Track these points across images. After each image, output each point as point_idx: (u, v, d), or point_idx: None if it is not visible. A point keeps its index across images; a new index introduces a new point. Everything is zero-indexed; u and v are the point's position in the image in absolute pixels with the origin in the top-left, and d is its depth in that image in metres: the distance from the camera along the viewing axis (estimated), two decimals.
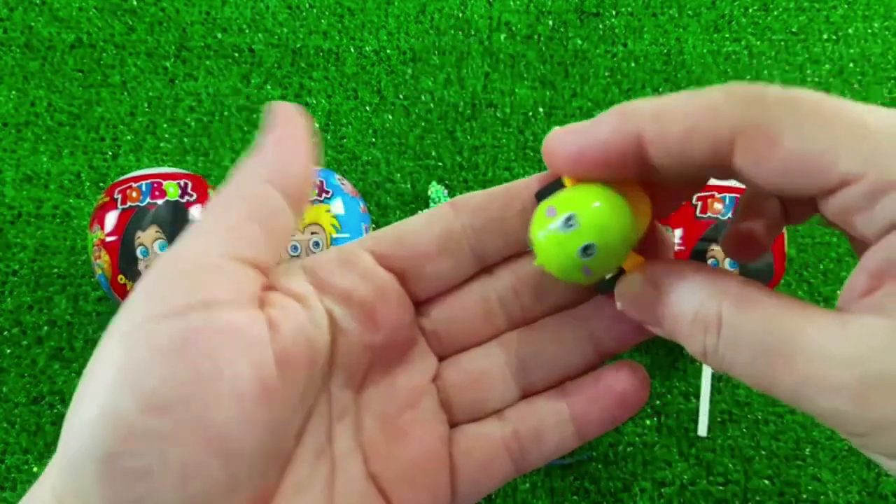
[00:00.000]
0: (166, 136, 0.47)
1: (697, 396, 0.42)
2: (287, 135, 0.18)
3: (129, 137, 0.47)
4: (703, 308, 0.16)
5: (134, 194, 0.38)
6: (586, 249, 0.16)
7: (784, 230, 0.39)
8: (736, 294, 0.15)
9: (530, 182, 0.19)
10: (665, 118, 0.15)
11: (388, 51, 0.48)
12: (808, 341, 0.14)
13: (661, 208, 0.19)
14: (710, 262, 0.37)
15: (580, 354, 0.20)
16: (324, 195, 0.38)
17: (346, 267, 0.18)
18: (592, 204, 0.16)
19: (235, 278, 0.16)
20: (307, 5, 0.49)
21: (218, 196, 0.17)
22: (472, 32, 0.49)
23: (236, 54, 0.48)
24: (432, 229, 0.19)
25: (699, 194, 0.39)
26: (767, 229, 0.20)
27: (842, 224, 0.15)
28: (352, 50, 0.48)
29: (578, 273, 0.17)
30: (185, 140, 0.47)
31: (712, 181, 0.40)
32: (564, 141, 0.17)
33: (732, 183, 0.39)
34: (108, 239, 0.37)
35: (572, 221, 0.16)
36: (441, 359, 0.20)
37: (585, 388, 0.19)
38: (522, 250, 0.20)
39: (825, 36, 0.49)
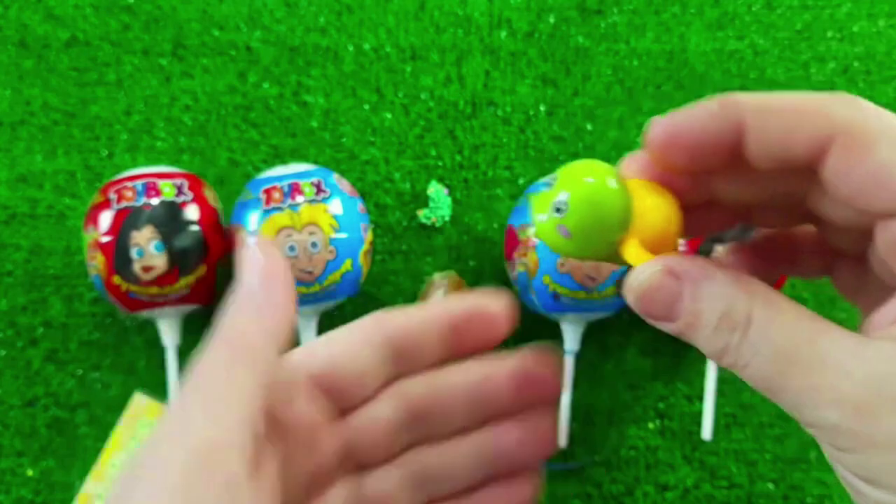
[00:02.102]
0: (162, 134, 0.46)
1: (701, 399, 0.42)
2: (269, 274, 0.19)
3: (124, 136, 0.46)
4: (734, 306, 0.16)
5: (129, 194, 0.37)
6: (558, 207, 0.17)
7: None
8: (765, 298, 0.16)
9: (450, 307, 0.20)
10: (772, 110, 0.16)
11: (387, 48, 0.48)
12: (826, 352, 0.15)
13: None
14: None
15: (482, 472, 0.20)
16: (322, 194, 0.38)
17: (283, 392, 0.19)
18: (596, 179, 0.17)
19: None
20: (305, 2, 0.49)
21: (211, 356, 0.18)
22: (473, 30, 0.48)
23: (233, 52, 0.48)
24: (353, 347, 0.20)
25: None
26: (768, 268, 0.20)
27: (891, 256, 0.15)
28: (350, 47, 0.48)
29: (555, 234, 0.17)
30: (181, 139, 0.46)
31: None
32: (664, 122, 0.17)
33: None
34: (103, 239, 0.37)
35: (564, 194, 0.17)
36: (353, 471, 0.20)
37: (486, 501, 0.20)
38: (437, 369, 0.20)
39: (830, 34, 0.49)
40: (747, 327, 0.16)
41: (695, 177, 0.17)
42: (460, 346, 0.20)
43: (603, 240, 0.17)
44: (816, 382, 0.15)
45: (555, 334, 0.42)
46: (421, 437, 0.20)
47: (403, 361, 0.20)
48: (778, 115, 0.16)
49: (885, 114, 0.16)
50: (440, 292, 0.41)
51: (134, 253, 0.37)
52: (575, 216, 0.17)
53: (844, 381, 0.14)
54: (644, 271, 0.17)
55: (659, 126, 0.17)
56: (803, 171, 0.16)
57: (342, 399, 0.19)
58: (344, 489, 0.20)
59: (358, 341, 0.20)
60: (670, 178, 0.17)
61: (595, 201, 0.17)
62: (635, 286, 0.17)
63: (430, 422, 0.20)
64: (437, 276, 0.42)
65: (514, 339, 0.45)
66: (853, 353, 0.14)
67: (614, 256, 0.18)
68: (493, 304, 0.20)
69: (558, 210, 0.17)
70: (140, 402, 0.40)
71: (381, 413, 0.20)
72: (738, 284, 0.16)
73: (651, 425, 0.42)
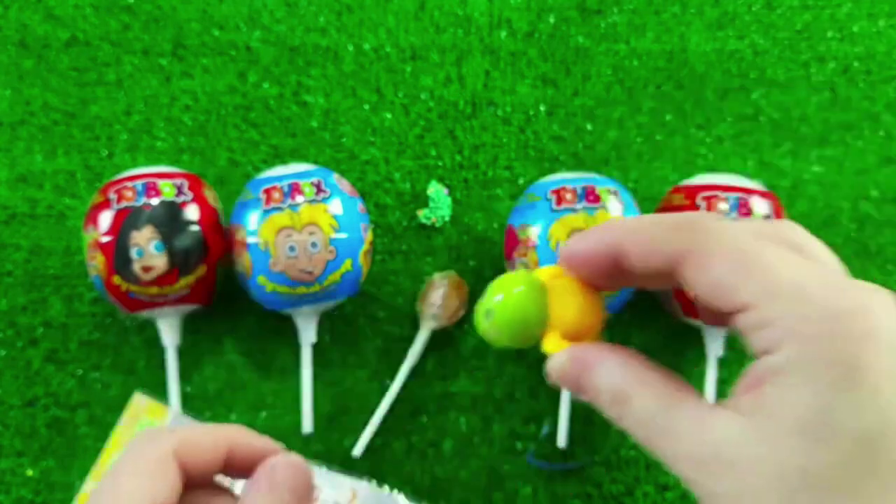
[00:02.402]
0: (162, 134, 0.46)
1: None
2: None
3: (124, 136, 0.46)
4: (618, 387, 0.21)
5: (129, 194, 0.37)
6: (488, 313, 0.22)
7: None
8: (641, 378, 0.21)
9: (240, 432, 0.24)
10: (637, 234, 0.21)
11: (387, 48, 0.48)
12: (679, 422, 0.20)
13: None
14: None
15: None
16: (322, 194, 0.38)
17: None
18: (515, 289, 0.22)
19: None
20: (305, 2, 0.49)
21: None
22: (473, 30, 0.48)
23: (233, 52, 0.48)
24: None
25: (704, 194, 0.38)
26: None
27: (748, 336, 0.20)
28: (350, 47, 0.48)
29: (488, 333, 0.23)
30: (182, 139, 0.46)
31: (715, 181, 0.39)
32: (565, 250, 0.23)
33: (737, 182, 0.38)
34: (103, 239, 0.37)
35: (496, 297, 0.22)
36: None
37: None
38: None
39: (830, 34, 0.49)
40: (628, 403, 0.21)
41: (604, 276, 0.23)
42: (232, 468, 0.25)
43: (526, 337, 0.23)
44: (672, 445, 0.20)
45: None
46: None
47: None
48: (641, 238, 0.21)
49: (723, 233, 0.20)
50: (440, 292, 0.41)
51: (134, 253, 0.37)
52: (499, 322, 0.22)
53: (691, 445, 0.19)
54: (556, 359, 0.22)
55: (563, 251, 0.23)
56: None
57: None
58: None
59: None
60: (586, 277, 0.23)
61: (514, 312, 0.22)
62: (550, 370, 0.23)
63: None
64: (437, 276, 0.42)
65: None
66: (701, 421, 0.19)
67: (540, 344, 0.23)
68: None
69: (488, 315, 0.22)
70: (140, 402, 0.40)
71: None
72: (623, 368, 0.21)
73: None
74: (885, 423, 0.17)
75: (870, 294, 0.18)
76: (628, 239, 0.21)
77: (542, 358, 0.43)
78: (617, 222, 0.22)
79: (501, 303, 0.23)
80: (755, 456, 0.18)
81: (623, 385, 0.21)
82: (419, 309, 0.42)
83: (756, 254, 0.19)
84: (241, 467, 0.24)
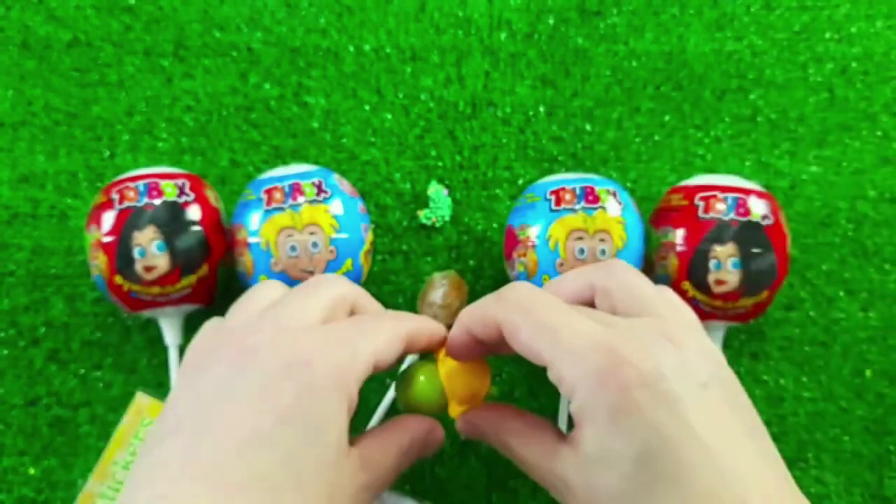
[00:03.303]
0: (164, 135, 0.46)
1: None
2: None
3: (126, 137, 0.46)
4: (497, 438, 0.29)
5: (131, 194, 0.38)
6: (404, 404, 0.32)
7: (787, 230, 0.39)
8: (509, 429, 0.29)
9: (414, 324, 0.31)
10: (471, 317, 0.28)
11: (388, 49, 0.48)
12: (538, 459, 0.27)
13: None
14: (712, 262, 0.37)
15: None
16: (322, 195, 0.38)
17: None
18: (419, 379, 0.31)
19: None
20: (306, 3, 0.49)
21: None
22: (473, 31, 0.48)
23: (234, 53, 0.48)
24: None
25: (702, 194, 0.38)
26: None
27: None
28: (351, 48, 0.48)
29: (404, 407, 0.32)
30: (183, 139, 0.46)
31: (713, 181, 0.39)
32: (447, 346, 0.30)
33: (735, 183, 0.39)
34: (105, 239, 0.37)
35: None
36: None
37: None
38: None
39: (828, 35, 0.49)
40: (508, 447, 0.28)
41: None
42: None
43: (433, 410, 0.31)
44: (537, 475, 0.27)
45: None
46: None
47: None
48: (474, 319, 0.28)
49: (524, 305, 0.26)
50: (440, 292, 0.41)
51: (136, 253, 0.37)
52: (412, 406, 0.31)
53: (547, 475, 0.26)
54: (458, 422, 0.31)
55: (447, 350, 0.30)
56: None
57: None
58: None
59: None
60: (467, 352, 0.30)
61: (419, 398, 0.31)
62: (458, 430, 0.31)
63: None
64: (438, 276, 0.42)
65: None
66: (551, 455, 0.26)
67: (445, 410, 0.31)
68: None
69: (404, 405, 0.32)
70: (142, 402, 0.41)
71: None
72: (497, 422, 0.29)
73: None
74: (655, 442, 0.22)
75: (637, 345, 0.24)
76: (470, 323, 0.28)
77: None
78: (464, 311, 0.28)
79: (410, 393, 0.32)
80: (582, 482, 0.24)
81: (500, 435, 0.28)
82: (419, 308, 0.42)
83: (549, 322, 0.25)
84: (416, 351, 0.30)
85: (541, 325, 0.25)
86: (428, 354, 0.33)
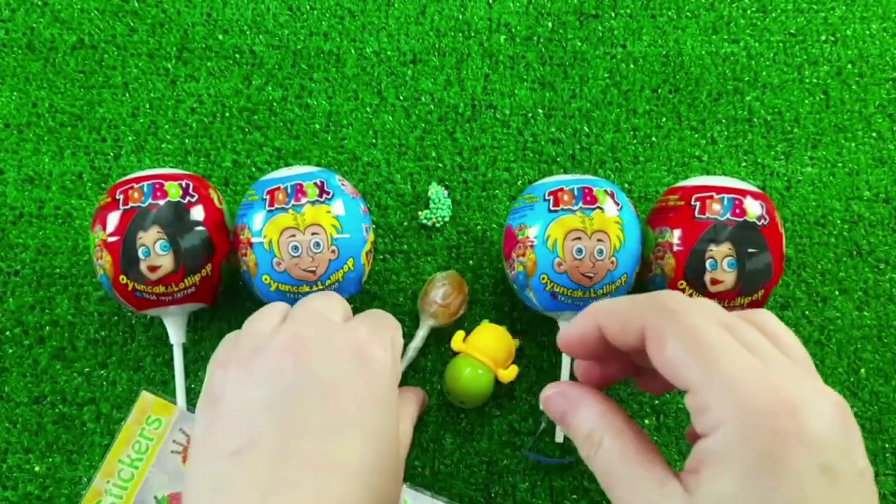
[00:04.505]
0: (168, 136, 0.47)
1: None
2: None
3: (130, 138, 0.47)
4: (594, 431, 0.24)
5: (135, 195, 0.38)
6: (462, 402, 0.40)
7: (783, 230, 0.39)
8: (618, 431, 0.23)
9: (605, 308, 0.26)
10: (611, 314, 0.24)
11: (389, 52, 0.49)
12: (639, 484, 0.22)
13: (649, 386, 0.28)
14: (708, 262, 0.37)
15: None
16: (324, 196, 0.38)
17: None
18: (463, 373, 0.39)
19: None
20: (308, 7, 0.49)
21: None
22: (472, 34, 0.49)
23: (237, 55, 0.48)
24: None
25: (698, 195, 0.39)
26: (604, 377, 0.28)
27: (693, 415, 0.21)
28: (352, 51, 0.49)
29: (462, 405, 0.41)
30: (187, 141, 0.47)
31: (709, 182, 0.40)
32: (560, 335, 0.27)
33: (731, 184, 0.39)
34: (110, 239, 0.38)
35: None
36: None
37: None
38: None
39: (823, 37, 0.49)
40: (599, 446, 0.23)
41: (606, 359, 0.26)
42: None
43: (486, 391, 0.39)
44: (626, 498, 0.22)
45: (553, 332, 0.43)
46: None
47: None
48: (614, 317, 0.24)
49: (684, 315, 0.22)
50: (441, 291, 0.42)
51: (140, 253, 0.37)
52: (474, 402, 0.40)
53: None
54: (549, 390, 0.27)
55: (559, 339, 0.27)
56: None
57: None
58: None
59: None
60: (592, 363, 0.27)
61: (478, 392, 0.40)
62: (543, 399, 0.27)
63: None
64: (439, 275, 0.43)
65: (514, 337, 0.45)
66: (656, 488, 0.21)
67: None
68: None
69: (463, 403, 0.40)
70: (148, 400, 0.41)
71: None
72: (602, 415, 0.24)
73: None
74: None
75: (808, 394, 0.20)
76: (605, 319, 0.24)
77: (539, 357, 0.44)
78: (596, 305, 0.25)
79: (468, 392, 0.39)
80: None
81: (597, 430, 0.24)
82: (420, 306, 0.42)
83: (707, 342, 0.21)
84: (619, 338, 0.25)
85: (695, 342, 0.21)
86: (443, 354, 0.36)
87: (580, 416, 0.25)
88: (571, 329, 0.26)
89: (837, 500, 0.19)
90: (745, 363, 0.20)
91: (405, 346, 0.41)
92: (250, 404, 0.25)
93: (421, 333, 0.42)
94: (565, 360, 0.41)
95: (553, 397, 0.26)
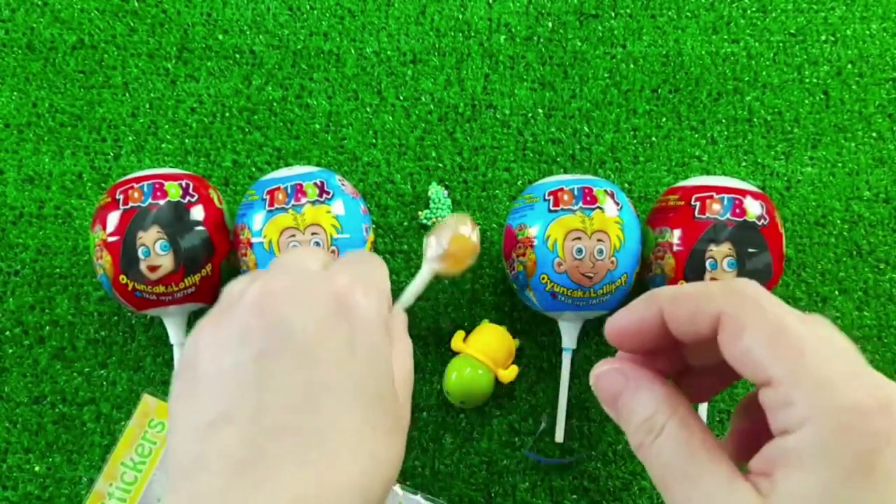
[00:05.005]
0: (168, 136, 0.47)
1: None
2: None
3: (130, 138, 0.47)
4: (657, 415, 0.21)
5: (135, 195, 0.38)
6: (462, 402, 0.41)
7: (783, 230, 0.39)
8: (682, 418, 0.21)
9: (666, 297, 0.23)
10: (679, 299, 0.21)
11: (389, 52, 0.49)
12: (703, 480, 0.19)
13: (696, 396, 0.25)
14: (708, 262, 0.37)
15: None
16: (324, 196, 0.38)
17: None
18: (464, 373, 0.40)
19: None
20: (308, 7, 0.49)
21: None
22: (472, 34, 0.49)
23: (237, 55, 0.48)
24: None
25: (698, 195, 0.39)
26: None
27: (767, 408, 0.20)
28: (352, 51, 0.49)
29: (462, 405, 0.42)
30: (187, 141, 0.47)
31: (709, 182, 0.40)
32: (612, 321, 0.23)
33: (731, 184, 0.39)
34: (110, 239, 0.38)
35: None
36: None
37: None
38: None
39: (823, 37, 0.49)
40: (659, 435, 0.21)
41: (658, 353, 0.23)
42: None
43: (488, 391, 0.41)
44: (688, 496, 0.20)
45: (552, 332, 0.43)
46: None
47: None
48: (682, 303, 0.21)
49: (765, 305, 0.20)
50: (448, 233, 0.34)
51: (140, 252, 0.37)
52: (474, 402, 0.41)
53: None
54: (602, 364, 0.23)
55: (609, 327, 0.23)
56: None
57: None
58: None
59: None
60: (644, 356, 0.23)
61: (479, 392, 0.40)
62: (594, 377, 0.23)
63: None
64: (450, 217, 0.35)
65: (514, 337, 0.45)
66: (724, 488, 0.19)
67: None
68: None
69: (463, 402, 0.41)
70: (150, 404, 0.41)
71: None
72: (667, 399, 0.21)
73: None
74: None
75: (894, 392, 0.18)
76: (672, 304, 0.21)
77: (539, 357, 0.44)
78: (659, 290, 0.22)
79: (468, 392, 0.40)
80: None
81: (660, 415, 0.21)
82: (424, 248, 0.35)
83: (792, 334, 0.19)
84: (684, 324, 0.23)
85: (781, 332, 0.19)
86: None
87: (641, 397, 0.21)
88: (628, 315, 0.23)
89: None
90: (833, 359, 0.19)
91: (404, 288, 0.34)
92: (221, 371, 0.23)
93: (422, 276, 0.34)
94: (566, 361, 0.41)
95: (609, 374, 0.22)
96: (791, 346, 0.19)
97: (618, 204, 0.38)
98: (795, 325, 0.19)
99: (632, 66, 0.49)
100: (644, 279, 0.40)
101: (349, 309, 0.24)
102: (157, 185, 0.39)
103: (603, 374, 0.23)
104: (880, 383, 0.19)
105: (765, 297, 0.20)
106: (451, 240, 0.34)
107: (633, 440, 0.21)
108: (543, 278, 0.38)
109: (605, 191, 0.38)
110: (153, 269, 0.37)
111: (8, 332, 0.43)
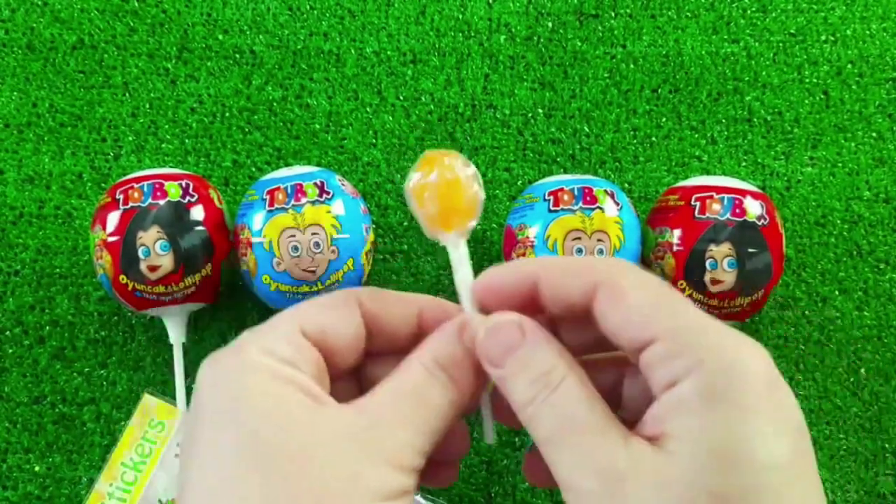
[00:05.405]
0: (168, 136, 0.47)
1: None
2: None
3: (130, 138, 0.47)
4: (555, 368, 0.20)
5: (135, 195, 0.38)
6: None
7: (783, 230, 0.39)
8: (580, 375, 0.20)
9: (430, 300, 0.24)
10: (557, 265, 0.21)
11: (389, 52, 0.49)
12: (599, 437, 0.19)
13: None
14: (708, 262, 0.37)
15: None
16: (324, 196, 0.38)
17: None
18: None
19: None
20: (308, 7, 0.49)
21: None
22: (472, 34, 0.49)
23: (237, 55, 0.48)
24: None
25: (698, 195, 0.39)
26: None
27: (645, 378, 0.20)
28: (352, 51, 0.49)
29: None
30: (187, 141, 0.47)
31: (709, 182, 0.40)
32: (484, 276, 0.22)
33: (731, 184, 0.39)
34: (110, 239, 0.38)
35: None
36: None
37: None
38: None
39: (823, 37, 0.49)
40: (556, 389, 0.20)
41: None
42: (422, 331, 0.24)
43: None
44: (587, 453, 0.19)
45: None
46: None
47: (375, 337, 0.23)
48: (560, 268, 0.21)
49: (640, 273, 0.20)
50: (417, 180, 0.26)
51: (140, 252, 0.37)
52: None
53: (609, 463, 0.18)
54: (502, 315, 0.22)
55: (478, 282, 0.22)
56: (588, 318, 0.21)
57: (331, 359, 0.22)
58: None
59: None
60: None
61: None
62: (491, 326, 0.21)
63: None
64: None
65: None
66: (620, 440, 0.19)
67: None
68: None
69: None
70: (150, 404, 0.41)
71: None
72: (564, 355, 0.21)
73: None
74: (792, 454, 0.18)
75: (751, 342, 0.19)
76: (544, 270, 0.21)
77: None
78: (539, 257, 0.22)
79: None
80: (664, 481, 0.18)
81: (559, 370, 0.20)
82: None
83: (669, 295, 0.20)
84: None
85: (662, 292, 0.20)
86: None
87: (540, 350, 0.21)
88: (500, 272, 0.22)
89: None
90: (702, 315, 0.20)
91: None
92: None
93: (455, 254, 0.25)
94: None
95: (508, 326, 0.21)
96: (672, 306, 0.19)
97: (618, 204, 0.38)
98: (673, 291, 0.20)
99: (632, 66, 0.49)
100: None
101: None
102: (157, 185, 0.39)
103: (501, 326, 0.21)
104: (739, 334, 0.19)
105: (639, 269, 0.21)
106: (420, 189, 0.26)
107: (523, 396, 0.20)
108: None
109: (605, 191, 0.39)
110: (153, 269, 0.38)
111: (8, 332, 0.43)
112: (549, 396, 0.20)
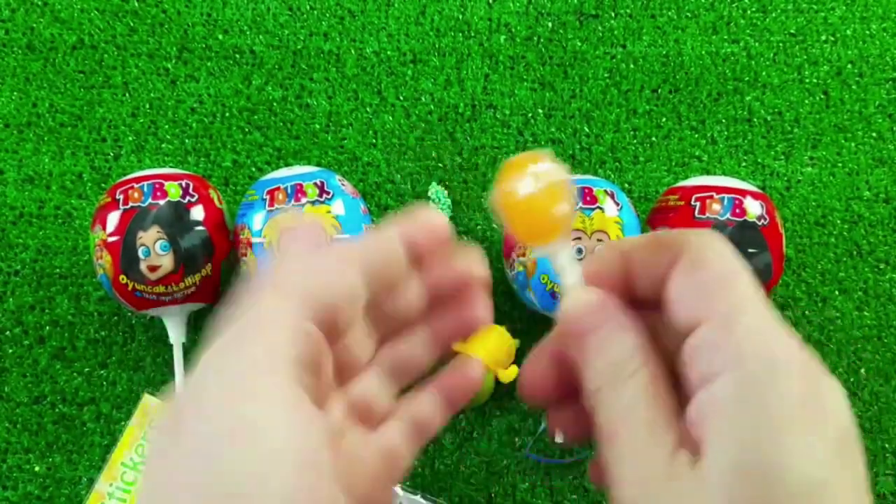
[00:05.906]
0: (168, 136, 0.47)
1: None
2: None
3: (130, 138, 0.47)
4: (628, 361, 0.19)
5: (135, 195, 0.38)
6: None
7: (783, 230, 0.39)
8: (652, 371, 0.19)
9: (403, 227, 0.22)
10: (638, 241, 0.20)
11: (389, 52, 0.49)
12: (652, 439, 0.18)
13: None
14: None
15: (438, 353, 0.26)
16: (324, 196, 0.38)
17: None
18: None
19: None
20: (308, 7, 0.49)
21: None
22: (472, 34, 0.49)
23: (237, 56, 0.48)
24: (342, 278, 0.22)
25: (698, 195, 0.39)
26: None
27: (687, 368, 0.19)
28: (352, 51, 0.49)
29: None
30: (187, 141, 0.47)
31: (709, 182, 0.40)
32: (588, 265, 0.21)
33: (731, 184, 0.39)
34: (110, 239, 0.38)
35: None
36: None
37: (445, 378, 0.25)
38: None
39: (823, 37, 0.49)
40: (629, 381, 0.19)
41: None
42: (416, 254, 0.23)
43: (487, 394, 0.40)
44: (634, 454, 0.18)
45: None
46: (388, 334, 0.24)
47: (378, 282, 0.22)
48: (652, 238, 0.20)
49: (723, 249, 0.19)
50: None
51: (140, 252, 0.37)
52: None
53: (649, 473, 0.18)
54: (590, 294, 0.21)
55: (585, 273, 0.21)
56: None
57: (333, 325, 0.21)
58: (339, 400, 0.23)
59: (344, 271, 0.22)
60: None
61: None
62: (581, 301, 0.21)
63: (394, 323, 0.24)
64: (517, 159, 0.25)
65: (514, 337, 0.45)
66: (666, 455, 0.18)
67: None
68: (432, 216, 0.23)
69: None
70: (150, 404, 0.41)
71: (360, 330, 0.23)
72: (642, 348, 0.20)
73: None
74: (829, 472, 0.17)
75: (797, 344, 0.18)
76: (633, 245, 0.20)
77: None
78: (613, 241, 0.21)
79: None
80: (698, 491, 0.17)
81: (633, 363, 0.19)
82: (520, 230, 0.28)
83: (741, 280, 0.19)
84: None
85: (732, 275, 0.18)
86: None
87: (618, 338, 0.20)
88: (596, 262, 0.21)
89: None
90: (765, 314, 0.18)
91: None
92: None
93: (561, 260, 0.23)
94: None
95: (595, 306, 0.20)
96: (737, 291, 0.18)
97: (618, 204, 0.38)
98: (747, 277, 0.19)
99: (632, 66, 0.49)
100: None
101: None
102: (157, 185, 0.39)
103: (587, 305, 0.20)
104: (794, 341, 0.18)
105: (729, 250, 0.19)
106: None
107: (593, 382, 0.20)
108: (543, 278, 0.38)
109: (605, 191, 0.39)
110: (153, 269, 0.38)
111: (8, 332, 0.43)
112: (618, 387, 0.19)
